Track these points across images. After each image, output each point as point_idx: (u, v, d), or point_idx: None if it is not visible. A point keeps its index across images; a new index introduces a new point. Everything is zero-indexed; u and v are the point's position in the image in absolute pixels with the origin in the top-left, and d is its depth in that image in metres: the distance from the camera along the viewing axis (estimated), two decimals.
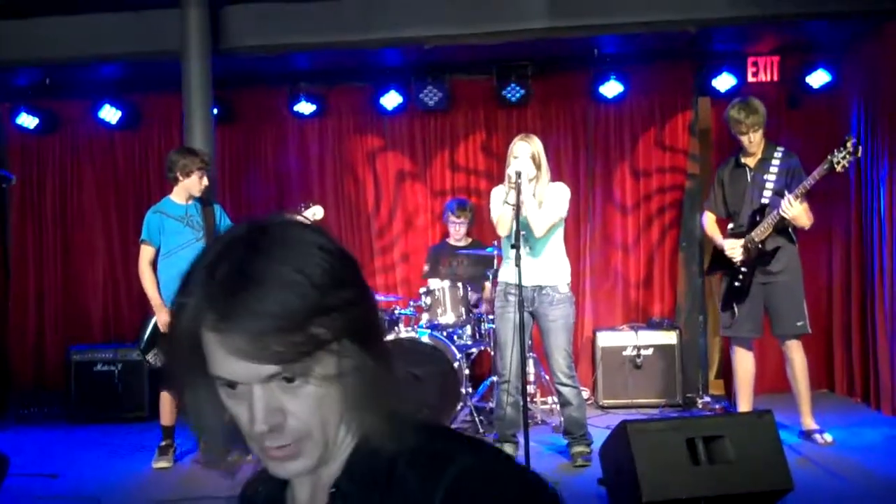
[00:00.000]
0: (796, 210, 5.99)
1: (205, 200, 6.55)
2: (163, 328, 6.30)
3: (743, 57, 8.16)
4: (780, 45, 8.15)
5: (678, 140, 8.68)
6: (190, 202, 6.49)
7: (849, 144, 5.79)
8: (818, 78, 8.00)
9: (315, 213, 6.53)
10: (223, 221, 6.64)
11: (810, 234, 7.60)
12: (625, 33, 7.61)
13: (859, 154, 5.84)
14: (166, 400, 6.54)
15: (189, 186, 6.43)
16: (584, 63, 8.38)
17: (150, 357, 6.35)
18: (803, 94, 8.19)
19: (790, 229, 6.26)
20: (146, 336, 6.37)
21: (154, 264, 6.43)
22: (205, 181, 6.44)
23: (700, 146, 8.57)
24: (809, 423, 6.36)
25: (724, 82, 8.11)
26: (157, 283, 6.39)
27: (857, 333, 7.84)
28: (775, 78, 8.19)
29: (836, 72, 7.96)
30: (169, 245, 6.39)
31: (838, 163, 5.83)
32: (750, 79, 8.17)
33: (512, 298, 5.75)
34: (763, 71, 8.14)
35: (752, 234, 6.25)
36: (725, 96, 7.95)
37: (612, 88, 8.30)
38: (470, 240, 8.27)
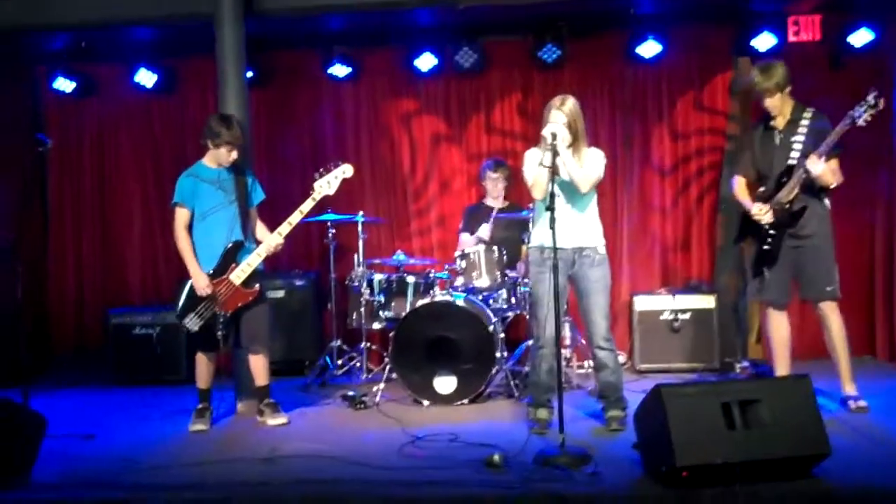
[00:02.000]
0: (820, 168, 5.88)
1: (237, 167, 6.54)
2: (199, 292, 6.31)
3: (783, 16, 8.00)
4: (821, 3, 7.97)
5: (717, 101, 8.56)
6: (222, 167, 6.49)
7: (870, 98, 5.68)
8: (861, 37, 7.83)
9: (345, 171, 6.49)
10: (255, 190, 6.62)
11: (851, 199, 7.51)
12: None
13: (881, 106, 5.70)
14: (202, 363, 6.58)
15: (217, 156, 6.43)
16: (621, 23, 8.26)
17: (186, 321, 6.37)
18: (845, 53, 8.03)
19: (820, 190, 6.14)
20: (182, 301, 6.39)
21: (189, 228, 6.45)
22: (234, 155, 6.41)
23: (740, 107, 8.43)
24: (848, 388, 6.26)
25: (764, 42, 7.95)
26: (193, 247, 6.42)
27: None
28: (817, 37, 8.03)
29: (880, 30, 7.78)
30: (202, 208, 6.41)
31: (860, 117, 5.72)
32: (791, 38, 8.01)
33: (550, 262, 5.69)
34: (804, 30, 7.99)
35: (779, 195, 6.14)
36: (766, 56, 7.81)
37: (649, 49, 8.19)
38: (507, 203, 8.21)
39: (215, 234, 6.40)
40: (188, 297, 6.38)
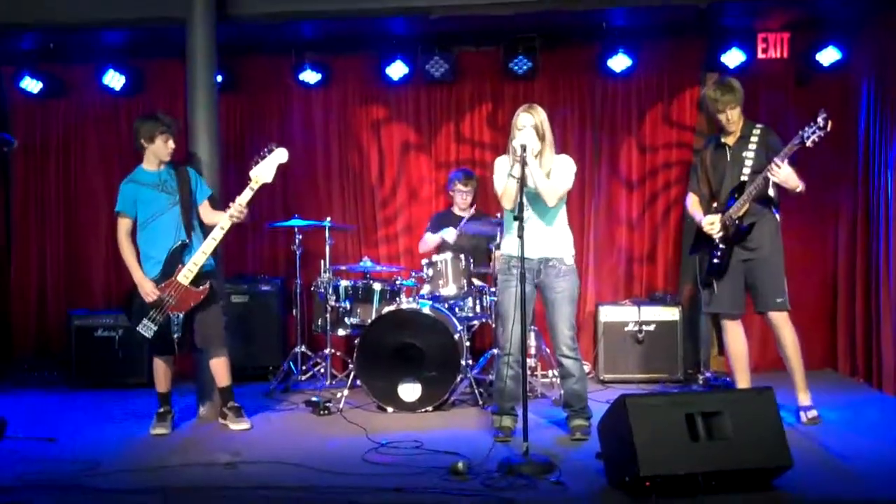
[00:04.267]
0: (786, 171, 5.93)
1: (178, 165, 6.50)
2: (146, 298, 6.27)
3: (753, 33, 8.08)
4: (790, 21, 8.06)
5: (685, 116, 8.62)
6: (162, 168, 6.44)
7: (819, 120, 5.73)
8: (828, 56, 7.92)
9: (279, 156, 6.42)
10: (199, 186, 6.56)
11: (816, 215, 7.60)
12: (634, 6, 7.55)
13: (829, 129, 5.75)
14: (160, 367, 6.54)
15: (156, 152, 6.39)
16: (592, 36, 8.32)
17: (140, 328, 6.31)
18: (813, 71, 8.12)
19: (771, 203, 6.23)
20: (134, 308, 6.35)
21: (134, 234, 6.41)
22: (170, 144, 6.39)
23: (707, 122, 8.48)
24: (802, 398, 6.32)
25: (733, 58, 8.04)
26: (138, 253, 6.38)
27: (860, 313, 7.80)
28: (785, 55, 8.12)
29: (847, 50, 7.89)
30: (145, 214, 6.37)
31: (808, 138, 5.78)
32: (760, 55, 8.09)
33: (516, 271, 5.70)
34: (773, 47, 8.07)
35: (730, 210, 6.22)
36: (735, 72, 7.89)
37: (620, 62, 8.24)
38: (474, 211, 8.23)
39: (161, 238, 6.34)
40: (139, 304, 6.33)
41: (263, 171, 6.36)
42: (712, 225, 6.33)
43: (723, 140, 6.39)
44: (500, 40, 8.45)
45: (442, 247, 8.02)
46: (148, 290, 6.26)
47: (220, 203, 6.69)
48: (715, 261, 6.36)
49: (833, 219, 8.20)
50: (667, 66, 8.63)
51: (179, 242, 6.33)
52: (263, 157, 6.39)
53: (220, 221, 6.29)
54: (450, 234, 7.82)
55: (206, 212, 6.56)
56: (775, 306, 6.25)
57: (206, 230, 6.46)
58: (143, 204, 6.38)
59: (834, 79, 8.06)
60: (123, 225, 6.41)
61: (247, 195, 6.30)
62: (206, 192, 6.61)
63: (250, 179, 6.34)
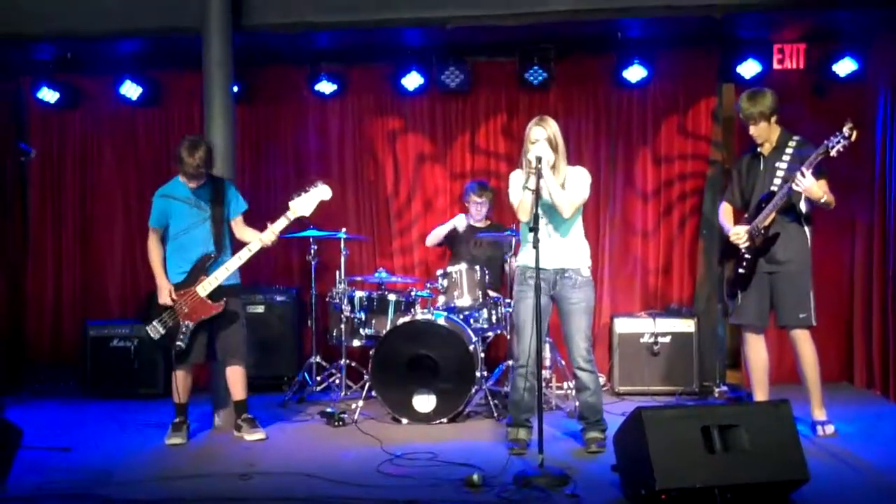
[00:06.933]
0: (809, 181, 5.90)
1: (215, 179, 6.52)
2: (160, 299, 6.33)
3: (768, 44, 8.05)
4: (806, 32, 8.04)
5: (701, 127, 8.59)
6: None
7: (845, 129, 5.72)
8: (844, 66, 7.90)
9: (322, 193, 6.46)
10: (235, 201, 6.58)
11: (832, 225, 7.57)
12: (649, 17, 7.53)
13: (853, 138, 5.74)
14: (179, 377, 6.53)
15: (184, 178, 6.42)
16: (607, 47, 8.31)
17: (149, 328, 6.37)
18: (829, 82, 8.09)
19: (801, 217, 6.19)
20: (149, 308, 6.41)
21: (165, 242, 6.46)
22: (191, 185, 6.38)
23: (723, 133, 8.48)
24: (816, 413, 6.28)
25: (749, 69, 8.02)
26: (165, 263, 6.42)
27: (877, 325, 7.75)
28: (801, 66, 8.07)
29: (863, 61, 7.86)
30: (176, 227, 6.41)
31: (833, 147, 5.77)
32: (775, 66, 8.06)
33: (532, 282, 5.70)
34: (789, 58, 8.04)
35: (757, 220, 6.20)
36: (750, 83, 7.87)
37: (635, 73, 8.23)
38: (489, 222, 8.22)
39: (190, 252, 6.38)
40: (155, 305, 6.38)
41: (302, 204, 6.40)
42: (738, 235, 6.32)
43: (759, 150, 6.37)
44: (515, 51, 8.45)
45: (454, 257, 8.03)
46: (164, 293, 6.31)
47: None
48: (740, 271, 6.34)
49: (849, 229, 8.16)
50: (682, 77, 8.61)
51: (208, 253, 6.36)
52: (306, 191, 6.43)
53: (250, 243, 6.33)
54: (460, 219, 7.85)
55: (238, 227, 6.59)
56: (798, 322, 6.20)
57: (236, 244, 6.49)
58: (175, 217, 6.42)
59: (850, 89, 8.03)
60: (154, 234, 6.47)
61: (281, 223, 6.34)
62: (242, 207, 6.62)
63: (288, 209, 6.37)
